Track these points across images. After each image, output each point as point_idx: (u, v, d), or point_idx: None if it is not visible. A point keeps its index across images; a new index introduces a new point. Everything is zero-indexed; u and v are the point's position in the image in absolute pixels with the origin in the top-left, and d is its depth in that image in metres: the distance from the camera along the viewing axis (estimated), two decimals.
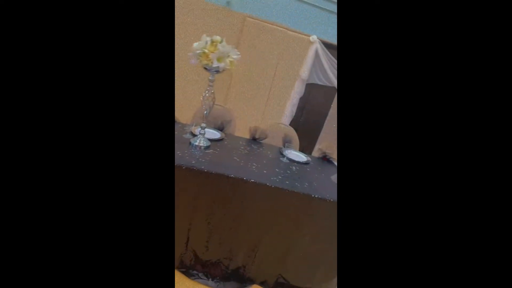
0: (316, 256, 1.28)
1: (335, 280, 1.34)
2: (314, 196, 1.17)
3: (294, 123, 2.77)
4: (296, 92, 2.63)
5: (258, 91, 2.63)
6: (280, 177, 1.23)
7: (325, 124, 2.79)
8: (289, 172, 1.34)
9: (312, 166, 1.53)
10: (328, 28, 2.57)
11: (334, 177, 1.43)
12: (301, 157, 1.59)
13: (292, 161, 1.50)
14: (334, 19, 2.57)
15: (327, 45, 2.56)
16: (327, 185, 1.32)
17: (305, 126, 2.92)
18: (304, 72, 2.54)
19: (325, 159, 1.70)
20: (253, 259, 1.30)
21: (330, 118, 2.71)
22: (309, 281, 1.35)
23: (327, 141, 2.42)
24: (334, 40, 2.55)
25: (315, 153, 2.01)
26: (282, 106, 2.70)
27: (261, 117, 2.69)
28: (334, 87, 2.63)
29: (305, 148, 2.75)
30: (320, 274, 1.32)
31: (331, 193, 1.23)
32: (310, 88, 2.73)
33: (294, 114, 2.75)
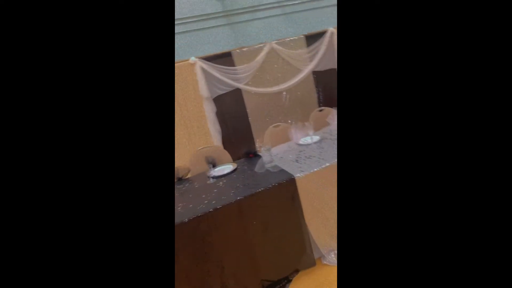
0: (281, 241, 1.35)
1: (309, 250, 1.41)
2: (255, 192, 1.24)
3: (226, 136, 2.85)
4: (209, 111, 2.71)
5: (177, 129, 2.65)
6: (206, 202, 1.28)
7: (250, 121, 2.91)
8: (215, 190, 1.39)
9: (240, 170, 1.60)
10: (204, 46, 2.71)
11: (257, 167, 1.52)
12: (228, 168, 1.66)
13: (219, 177, 1.55)
14: (204, 35, 2.72)
15: (210, 58, 2.70)
16: (258, 177, 1.39)
17: (237, 133, 3.01)
18: (203, 90, 2.63)
19: (251, 155, 1.79)
20: (228, 279, 1.31)
21: (251, 114, 2.84)
22: (289, 266, 1.41)
23: (263, 134, 2.52)
24: (213, 51, 2.70)
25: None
26: (206, 129, 2.75)
27: (191, 149, 2.71)
28: (236, 88, 2.77)
29: (251, 148, 2.83)
30: (294, 252, 1.39)
31: (266, 181, 1.32)
32: (218, 100, 2.84)
33: (220, 129, 2.83)
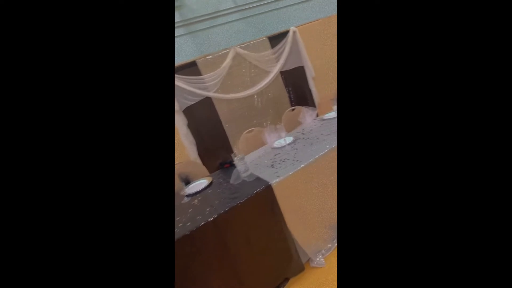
0: (266, 252, 1.30)
1: (296, 256, 1.38)
2: (232, 206, 1.18)
3: (201, 147, 2.76)
4: (180, 124, 2.61)
5: None
6: (181, 224, 1.20)
7: (225, 129, 2.85)
8: (190, 210, 1.31)
9: (215, 183, 1.54)
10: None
11: (233, 179, 1.47)
12: (203, 183, 1.59)
13: (194, 194, 1.48)
14: None
15: (177, 68, 2.61)
16: (234, 189, 1.33)
17: (213, 143, 2.93)
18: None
19: (226, 166, 1.73)
20: None
21: (225, 121, 2.78)
22: (278, 276, 1.36)
23: (239, 141, 2.47)
24: (177, 62, 2.61)
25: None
26: (179, 143, 2.65)
27: None
28: (205, 97, 2.70)
29: (226, 158, 2.77)
30: (281, 261, 1.35)
31: (242, 192, 1.27)
32: (189, 111, 2.75)
33: (194, 141, 2.74)
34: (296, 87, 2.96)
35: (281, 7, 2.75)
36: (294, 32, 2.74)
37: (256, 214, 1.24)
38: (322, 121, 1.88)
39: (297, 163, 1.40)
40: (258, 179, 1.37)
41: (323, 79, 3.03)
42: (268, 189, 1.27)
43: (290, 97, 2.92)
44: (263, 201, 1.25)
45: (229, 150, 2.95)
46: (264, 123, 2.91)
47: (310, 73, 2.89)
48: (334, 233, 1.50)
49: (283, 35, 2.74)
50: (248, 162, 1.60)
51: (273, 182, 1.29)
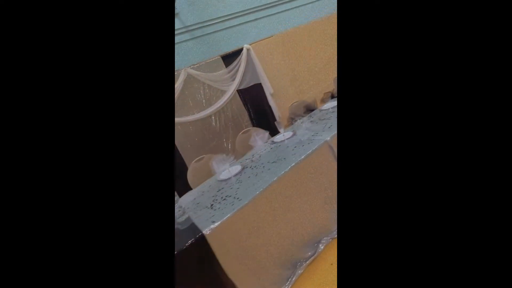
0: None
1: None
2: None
3: None
4: None
5: None
6: None
7: (183, 156, 2.69)
8: None
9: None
10: None
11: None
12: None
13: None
14: None
15: None
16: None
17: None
18: None
19: None
20: None
21: (182, 147, 2.62)
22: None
23: (188, 171, 2.31)
24: None
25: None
26: None
27: None
28: None
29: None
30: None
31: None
32: None
33: None
34: (255, 104, 2.87)
35: (230, 26, 2.68)
36: (248, 50, 2.67)
37: (186, 271, 1.09)
38: (272, 145, 1.79)
39: (237, 202, 1.26)
40: (192, 226, 1.21)
41: (283, 94, 2.98)
42: (201, 239, 1.12)
43: (250, 115, 2.82)
44: (194, 254, 1.10)
45: (186, 181, 2.78)
46: (225, 144, 2.78)
47: (268, 89, 2.82)
48: (289, 273, 1.38)
49: (236, 53, 2.66)
50: (189, 201, 1.46)
51: (206, 231, 1.14)
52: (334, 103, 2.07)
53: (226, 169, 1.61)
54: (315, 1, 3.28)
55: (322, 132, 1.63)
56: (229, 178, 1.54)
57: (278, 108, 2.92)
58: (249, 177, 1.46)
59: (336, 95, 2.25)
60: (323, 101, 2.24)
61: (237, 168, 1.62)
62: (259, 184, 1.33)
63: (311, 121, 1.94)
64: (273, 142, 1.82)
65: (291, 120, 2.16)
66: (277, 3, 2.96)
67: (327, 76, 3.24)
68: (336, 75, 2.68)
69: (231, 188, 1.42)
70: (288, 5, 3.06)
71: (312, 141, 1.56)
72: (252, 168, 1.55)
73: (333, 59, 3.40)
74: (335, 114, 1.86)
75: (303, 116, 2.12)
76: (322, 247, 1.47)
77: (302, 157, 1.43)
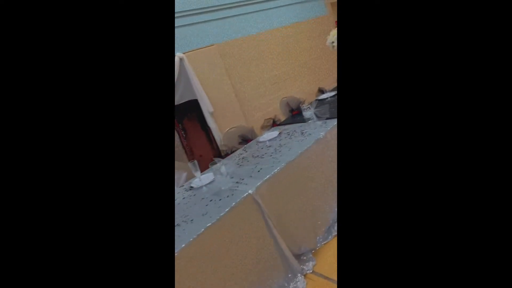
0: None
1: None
2: None
3: None
4: None
5: None
6: None
7: None
8: None
9: None
10: None
11: None
12: None
13: None
14: None
15: None
16: None
17: None
18: None
19: None
20: None
21: None
22: None
23: None
24: None
25: None
26: None
27: None
28: None
29: None
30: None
31: None
32: None
33: None
34: (190, 124, 2.45)
35: None
36: (181, 59, 2.24)
37: None
38: (189, 191, 1.38)
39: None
40: None
41: (226, 112, 2.61)
42: None
43: (181, 136, 2.38)
44: None
45: None
46: None
47: (206, 107, 2.41)
48: None
49: None
50: None
51: None
52: (274, 133, 1.76)
53: None
54: (267, 9, 3.01)
55: (249, 178, 1.29)
56: None
57: (221, 130, 2.53)
58: None
59: (278, 122, 1.95)
60: (263, 128, 1.93)
61: None
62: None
63: (242, 157, 1.59)
64: (190, 188, 1.41)
65: (223, 151, 1.79)
66: (223, 7, 2.60)
67: (274, 96, 2.96)
68: (282, 98, 2.41)
69: None
70: (235, 11, 2.73)
71: (233, 193, 1.20)
72: None
73: (284, 78, 3.15)
74: (272, 148, 1.54)
75: (237, 148, 1.76)
76: None
77: (215, 220, 1.05)
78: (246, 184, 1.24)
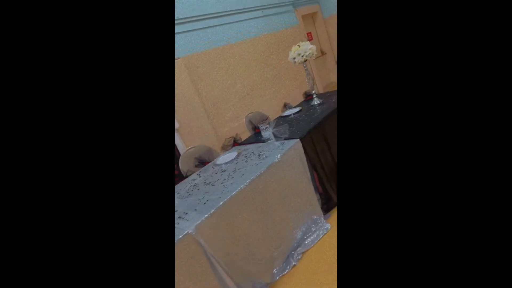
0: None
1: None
2: None
3: None
4: None
5: None
6: None
7: None
8: None
9: None
10: None
11: None
12: None
13: None
14: None
15: None
16: None
17: None
18: None
19: None
20: None
21: None
22: None
23: None
24: None
25: None
26: None
27: None
28: None
29: None
30: None
31: None
32: None
33: None
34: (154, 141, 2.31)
35: None
36: None
37: None
38: None
39: None
40: None
41: (193, 128, 2.49)
42: None
43: None
44: None
45: None
46: None
47: None
48: None
49: None
50: None
51: None
52: (232, 155, 1.66)
53: None
54: (236, 22, 2.95)
55: (194, 212, 1.17)
56: None
57: (187, 146, 2.41)
58: None
59: (239, 141, 1.86)
60: (224, 148, 1.83)
61: None
62: None
63: (194, 184, 1.48)
64: None
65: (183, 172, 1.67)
66: (188, 19, 2.51)
67: (242, 111, 2.87)
68: (246, 115, 2.32)
69: None
70: (202, 23, 2.64)
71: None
72: None
73: (252, 92, 3.08)
74: (226, 174, 1.44)
75: (192, 172, 1.64)
76: None
77: None
78: (188, 220, 1.13)
